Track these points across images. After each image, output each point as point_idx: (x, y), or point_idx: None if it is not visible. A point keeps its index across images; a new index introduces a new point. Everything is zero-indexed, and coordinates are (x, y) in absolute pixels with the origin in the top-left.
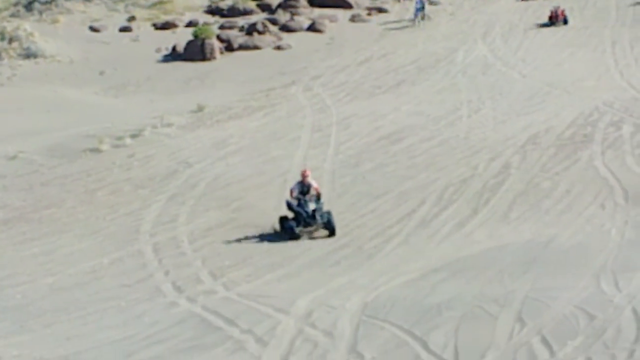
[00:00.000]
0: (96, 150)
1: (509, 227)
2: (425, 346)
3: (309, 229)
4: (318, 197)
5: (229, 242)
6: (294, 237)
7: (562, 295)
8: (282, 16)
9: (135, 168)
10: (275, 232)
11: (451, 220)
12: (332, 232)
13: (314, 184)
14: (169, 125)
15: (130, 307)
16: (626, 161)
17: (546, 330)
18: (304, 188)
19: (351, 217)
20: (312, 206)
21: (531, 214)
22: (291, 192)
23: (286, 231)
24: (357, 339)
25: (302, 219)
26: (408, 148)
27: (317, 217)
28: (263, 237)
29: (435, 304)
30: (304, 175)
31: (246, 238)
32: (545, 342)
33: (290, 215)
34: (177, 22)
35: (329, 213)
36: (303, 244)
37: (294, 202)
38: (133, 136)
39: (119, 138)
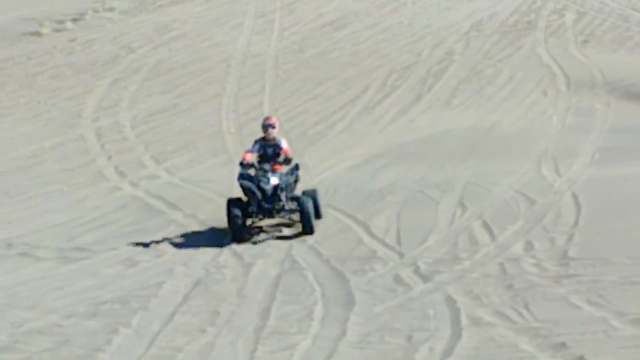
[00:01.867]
0: (37, 34)
1: (451, 114)
2: (368, 230)
3: (267, 219)
4: (291, 167)
5: (171, 127)
6: (237, 235)
7: (503, 181)
8: None
9: (76, 52)
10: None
11: (394, 107)
12: (307, 228)
13: (284, 143)
14: (111, 9)
15: (72, 191)
16: (568, 48)
17: (487, 214)
18: (267, 150)
19: (295, 102)
20: (274, 180)
21: (474, 100)
22: (245, 155)
23: (229, 224)
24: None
25: (255, 203)
26: (352, 34)
27: (283, 199)
28: (206, 122)
29: (377, 189)
30: (267, 126)
31: (189, 124)
32: (486, 226)
33: (244, 197)
34: None
35: (310, 194)
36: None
37: (249, 175)
38: (74, 20)
39: (60, 22)
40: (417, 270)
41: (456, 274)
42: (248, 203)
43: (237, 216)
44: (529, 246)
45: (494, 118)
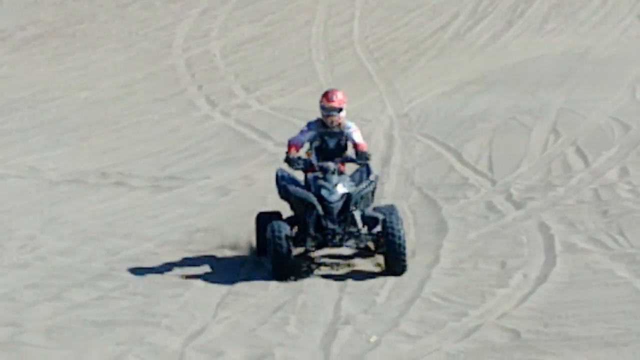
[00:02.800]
0: None
1: (543, 39)
2: (459, 158)
3: (329, 248)
4: (363, 170)
5: (261, 56)
6: (280, 271)
7: (597, 107)
8: None
9: None
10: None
11: (486, 33)
12: (397, 265)
13: (357, 135)
14: None
15: (164, 120)
16: None
17: (581, 141)
18: (327, 142)
19: (384, 30)
20: (342, 188)
21: (566, 25)
22: (290, 148)
23: (268, 257)
24: (391, 152)
25: (312, 224)
26: None
27: (357, 218)
28: (296, 51)
29: (469, 116)
30: (329, 109)
31: (279, 52)
32: (579, 152)
33: (285, 210)
34: None
35: (389, 210)
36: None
37: (294, 177)
38: None
39: None
40: (509, 197)
41: (550, 201)
42: (296, 221)
43: (279, 242)
44: (623, 172)
45: (587, 43)
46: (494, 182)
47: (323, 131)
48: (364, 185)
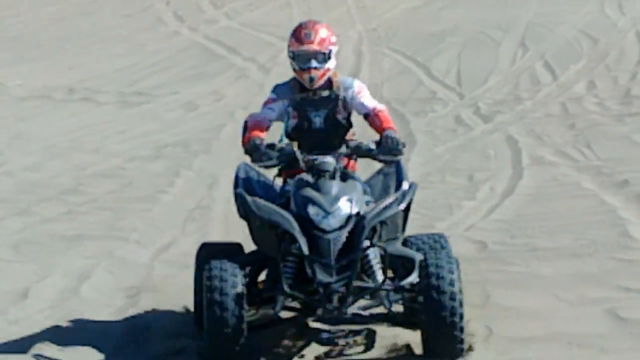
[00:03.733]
0: None
1: None
2: (428, 72)
3: (320, 315)
4: (390, 171)
5: None
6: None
7: (566, 20)
8: None
9: None
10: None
11: None
12: (442, 343)
13: (365, 97)
14: None
15: (132, 36)
16: None
17: (549, 54)
18: (306, 116)
19: None
20: (346, 206)
21: None
22: (251, 131)
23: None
24: (360, 67)
25: (287, 273)
26: None
27: (372, 265)
28: None
29: (438, 30)
30: (301, 46)
31: None
32: (547, 66)
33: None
34: None
35: (434, 243)
36: None
37: (266, 181)
38: None
39: None
40: (477, 111)
41: (517, 114)
42: (260, 263)
43: (220, 302)
44: (591, 85)
45: None
46: (462, 96)
47: (301, 99)
48: (389, 201)
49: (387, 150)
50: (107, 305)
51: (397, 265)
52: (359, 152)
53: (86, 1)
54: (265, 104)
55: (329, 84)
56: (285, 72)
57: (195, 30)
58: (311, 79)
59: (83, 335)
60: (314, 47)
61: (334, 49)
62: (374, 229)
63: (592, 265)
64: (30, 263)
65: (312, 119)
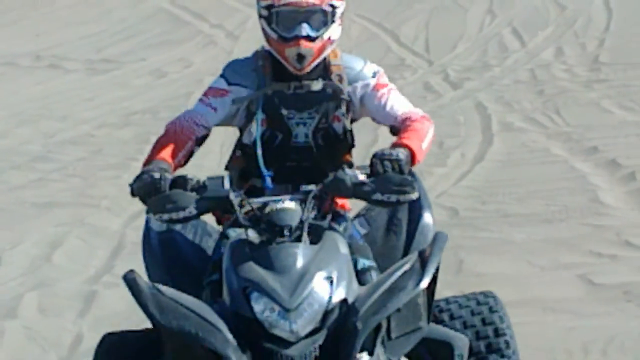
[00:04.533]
0: None
1: None
2: (396, 39)
3: None
4: (402, 211)
5: None
6: None
7: None
8: None
9: None
10: None
11: None
12: None
13: (392, 97)
14: None
15: (98, 3)
16: None
17: (517, 21)
18: (283, 124)
19: None
20: (319, 297)
21: None
22: (156, 146)
23: None
24: None
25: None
26: None
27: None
28: None
29: None
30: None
31: None
32: (515, 32)
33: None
34: None
35: (484, 313)
36: None
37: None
38: None
39: None
40: (446, 78)
41: (486, 81)
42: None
43: None
44: (559, 52)
45: None
46: (431, 63)
47: (276, 93)
48: (400, 272)
49: (385, 184)
50: (80, 273)
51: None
52: (339, 190)
53: None
54: (205, 95)
55: (324, 69)
56: (256, 39)
57: None
58: (300, 58)
59: (56, 302)
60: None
61: (340, 5)
62: (377, 328)
63: (564, 231)
64: (0, 230)
65: (293, 129)
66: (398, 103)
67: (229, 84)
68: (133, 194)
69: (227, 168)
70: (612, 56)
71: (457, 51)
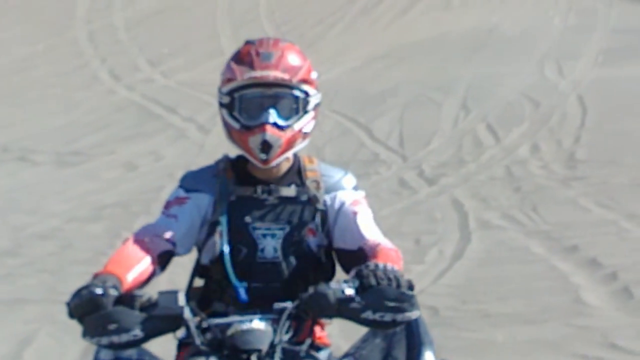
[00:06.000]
0: None
1: (451, 15)
2: (370, 134)
3: None
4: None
5: (166, 29)
6: None
7: (507, 82)
8: None
9: None
10: None
11: (393, 8)
12: None
13: (359, 212)
14: None
15: (67, 94)
16: None
17: (491, 116)
18: (247, 235)
19: (292, 4)
20: None
21: (474, 1)
22: (109, 261)
23: None
24: None
25: None
26: None
27: None
28: (201, 25)
29: (378, 91)
30: (250, 71)
31: (184, 26)
32: (490, 128)
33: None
34: None
35: None
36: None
37: None
38: None
39: None
40: (421, 174)
41: (462, 177)
42: None
43: None
44: (535, 148)
45: (495, 19)
46: (405, 158)
47: (240, 198)
48: None
49: (379, 298)
50: None
51: None
52: (321, 307)
53: (19, 58)
54: (165, 207)
55: (298, 175)
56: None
57: (132, 89)
58: (265, 147)
59: None
60: (278, 74)
61: (314, 94)
62: None
63: (547, 332)
64: None
65: (259, 241)
66: (373, 227)
67: (188, 191)
68: (71, 314)
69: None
70: (589, 153)
71: (432, 146)
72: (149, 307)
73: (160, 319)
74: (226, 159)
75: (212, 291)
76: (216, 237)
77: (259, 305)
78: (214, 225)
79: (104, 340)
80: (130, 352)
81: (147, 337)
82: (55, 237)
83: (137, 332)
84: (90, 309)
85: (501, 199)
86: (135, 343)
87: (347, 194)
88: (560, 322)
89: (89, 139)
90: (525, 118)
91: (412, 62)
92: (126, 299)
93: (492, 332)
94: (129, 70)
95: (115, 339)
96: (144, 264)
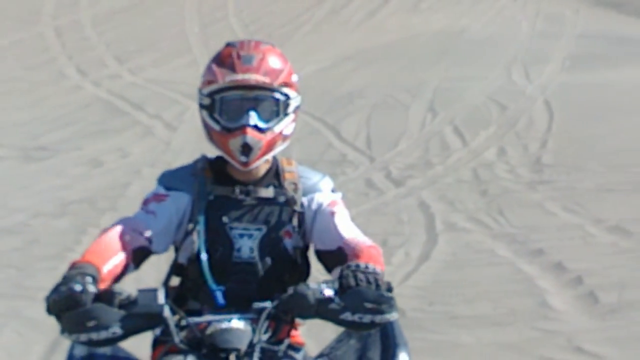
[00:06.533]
0: None
1: (420, 17)
2: (337, 134)
3: None
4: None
5: (134, 27)
6: None
7: (474, 86)
8: None
9: None
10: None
11: (362, 9)
12: None
13: (337, 212)
14: None
15: (33, 89)
16: None
17: (458, 119)
18: (223, 234)
19: (260, 3)
20: None
21: (443, 4)
22: (85, 252)
23: None
24: None
25: None
26: None
27: None
28: (169, 23)
29: (346, 92)
30: (232, 74)
31: (151, 23)
32: (457, 131)
33: None
34: None
35: None
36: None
37: None
38: None
39: None
40: (389, 175)
41: (429, 179)
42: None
43: None
44: (502, 152)
45: (463, 22)
46: (372, 160)
47: (218, 198)
48: None
49: (358, 301)
50: None
51: None
52: (300, 307)
53: None
54: (144, 203)
55: (275, 176)
56: (194, 130)
57: (99, 85)
58: (246, 149)
59: None
60: (259, 77)
61: (295, 96)
62: None
63: (513, 335)
64: None
65: (236, 241)
66: (351, 227)
67: (167, 189)
68: (49, 310)
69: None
70: (555, 158)
71: (399, 148)
72: (128, 304)
73: (139, 316)
74: (204, 158)
75: (187, 289)
76: (194, 236)
77: (234, 306)
78: (191, 224)
79: (83, 337)
80: (105, 348)
81: (126, 334)
82: (21, 232)
83: (116, 330)
84: (68, 306)
85: (468, 201)
86: (114, 340)
87: (325, 196)
88: (526, 325)
89: (55, 135)
90: (492, 121)
91: (380, 63)
92: (105, 296)
93: (458, 334)
94: (95, 67)
95: (94, 335)
96: (120, 257)
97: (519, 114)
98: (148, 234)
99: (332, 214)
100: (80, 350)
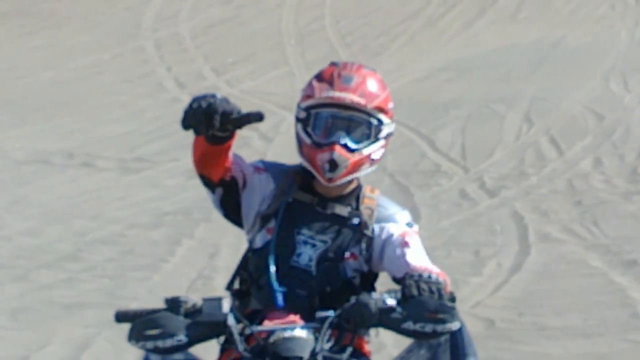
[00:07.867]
0: None
1: (516, 27)
2: (432, 145)
3: None
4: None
5: (231, 39)
6: None
7: (571, 96)
8: None
9: None
10: None
11: (458, 20)
12: None
13: (409, 247)
14: None
15: (132, 102)
16: None
17: (554, 130)
18: (291, 241)
19: (356, 15)
20: None
21: (540, 14)
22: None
23: None
24: None
25: None
26: None
27: None
28: (266, 35)
29: (441, 103)
30: (332, 92)
31: (249, 35)
32: (553, 141)
33: None
34: None
35: None
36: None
37: None
38: None
39: None
40: (482, 185)
41: (523, 190)
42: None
43: None
44: (597, 162)
45: (560, 32)
46: (467, 170)
47: (296, 201)
48: None
49: (420, 309)
50: None
51: None
52: (362, 316)
53: (85, 66)
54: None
55: (355, 198)
56: (290, 142)
57: None
58: (332, 165)
59: None
60: (355, 98)
61: (388, 123)
62: None
63: (603, 346)
64: (28, 331)
65: (298, 246)
66: (422, 257)
67: (266, 167)
68: (185, 126)
69: (228, 288)
70: None
71: (494, 158)
72: (193, 312)
73: (204, 325)
74: (300, 166)
75: (249, 290)
76: (265, 231)
77: (292, 310)
78: (266, 218)
79: (149, 344)
80: (178, 356)
81: (191, 342)
82: (116, 243)
83: (181, 338)
84: (204, 118)
85: (562, 212)
86: (179, 348)
87: (398, 227)
88: (617, 337)
89: (152, 146)
90: (588, 131)
91: (475, 74)
92: (172, 304)
93: (547, 345)
94: (194, 79)
95: (160, 343)
96: (223, 165)
97: (616, 123)
98: (242, 173)
99: (403, 244)
100: (155, 358)
